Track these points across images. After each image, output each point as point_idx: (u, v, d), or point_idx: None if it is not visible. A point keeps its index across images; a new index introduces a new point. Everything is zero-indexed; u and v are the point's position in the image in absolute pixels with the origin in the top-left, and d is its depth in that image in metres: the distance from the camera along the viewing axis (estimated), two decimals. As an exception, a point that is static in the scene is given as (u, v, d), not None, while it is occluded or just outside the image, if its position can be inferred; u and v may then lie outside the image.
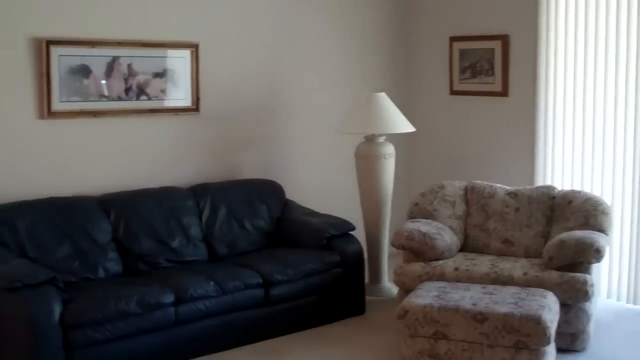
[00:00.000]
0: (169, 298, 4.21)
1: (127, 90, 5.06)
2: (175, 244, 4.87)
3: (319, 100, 6.07)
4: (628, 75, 5.18)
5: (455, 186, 5.28)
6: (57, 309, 3.85)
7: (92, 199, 4.76)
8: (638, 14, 5.09)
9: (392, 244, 4.84)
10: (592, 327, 4.50)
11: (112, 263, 4.64)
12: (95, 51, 4.88)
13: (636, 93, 5.15)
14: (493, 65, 6.01)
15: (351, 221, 5.21)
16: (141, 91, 5.11)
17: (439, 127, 6.47)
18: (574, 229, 4.71)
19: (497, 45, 5.96)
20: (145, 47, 5.10)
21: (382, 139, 5.51)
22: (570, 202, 4.92)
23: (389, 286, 5.56)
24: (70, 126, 4.86)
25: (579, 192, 5.04)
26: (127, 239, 4.74)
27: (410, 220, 5.06)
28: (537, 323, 3.79)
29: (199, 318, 4.36)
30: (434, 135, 6.49)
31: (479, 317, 3.88)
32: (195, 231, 4.99)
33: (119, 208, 4.78)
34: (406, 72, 6.63)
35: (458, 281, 4.52)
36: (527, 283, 4.43)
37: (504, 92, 5.97)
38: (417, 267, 4.71)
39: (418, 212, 5.14)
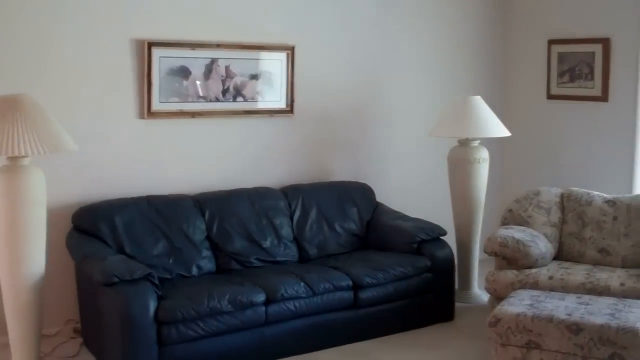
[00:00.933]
0: (260, 297, 4.27)
1: (225, 91, 5.16)
2: (266, 244, 4.94)
3: (413, 102, 6.04)
4: None
5: (551, 193, 5.16)
6: (152, 305, 3.95)
7: (187, 198, 4.88)
8: None
9: (485, 250, 4.78)
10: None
11: (206, 261, 4.73)
12: (194, 53, 5.00)
13: None
14: (593, 70, 5.84)
15: (442, 226, 5.15)
16: (238, 93, 5.21)
17: (535, 132, 6.33)
18: (676, 240, 4.54)
19: (597, 48, 5.80)
20: (243, 49, 5.19)
21: (476, 143, 5.44)
22: (672, 212, 4.75)
23: (479, 293, 5.48)
24: (169, 126, 5.00)
25: (683, 201, 4.86)
26: (220, 237, 4.83)
27: (504, 226, 4.97)
28: (635, 336, 3.66)
29: (289, 318, 4.40)
30: (530, 140, 6.36)
31: (574, 328, 3.78)
32: (286, 232, 5.05)
33: (214, 207, 4.88)
34: (502, 75, 6.52)
35: (552, 290, 4.41)
36: (624, 294, 4.29)
37: (603, 97, 5.80)
38: (510, 274, 4.63)
39: (512, 218, 5.05)
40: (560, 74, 6.09)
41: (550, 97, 6.21)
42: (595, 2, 5.82)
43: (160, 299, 4.03)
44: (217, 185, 5.10)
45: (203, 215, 4.83)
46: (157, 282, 4.08)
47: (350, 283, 4.60)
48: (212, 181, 5.12)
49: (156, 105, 4.91)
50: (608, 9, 5.74)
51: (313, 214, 5.20)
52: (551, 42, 6.15)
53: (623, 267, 4.74)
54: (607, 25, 5.74)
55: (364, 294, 4.66)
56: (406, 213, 5.42)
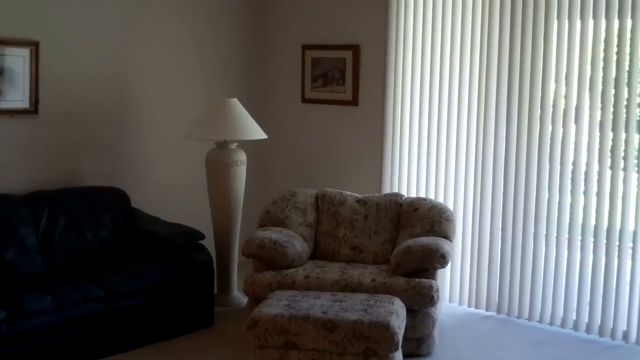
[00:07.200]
0: (1, 314, 3.91)
1: (-42, 90, 4.69)
2: (8, 256, 4.52)
3: (169, 104, 5.88)
4: (471, 86, 5.37)
5: (306, 194, 5.26)
6: None
7: None
8: (482, 28, 5.29)
9: (243, 252, 4.75)
10: (437, 332, 4.59)
11: (-63, 277, 4.26)
12: None
13: (478, 104, 5.34)
14: (344, 75, 6.05)
15: (202, 230, 5.06)
16: (-27, 92, 4.76)
17: (291, 135, 6.44)
18: (420, 236, 4.80)
19: (348, 55, 6.01)
20: (-20, 44, 4.75)
21: (233, 146, 5.41)
22: (416, 209, 5.02)
23: (239, 296, 5.45)
24: None
25: (425, 199, 5.16)
26: (-46, 251, 4.37)
27: (262, 228, 4.98)
28: (385, 329, 3.81)
29: (35, 335, 4.07)
30: (286, 142, 6.46)
31: (329, 325, 3.85)
32: (31, 242, 4.66)
33: (-54, 217, 4.41)
34: (259, 78, 6.56)
35: (309, 289, 4.48)
36: (375, 289, 4.45)
37: (354, 102, 6.02)
38: (268, 276, 4.64)
39: (269, 220, 5.08)
40: (314, 79, 6.25)
41: (304, 100, 6.34)
42: (347, 11, 6.04)
43: None
44: (-49, 193, 4.62)
45: None
46: None
47: (103, 294, 4.36)
48: (-55, 189, 4.63)
49: None
50: (358, 18, 5.97)
51: (61, 222, 4.85)
52: (305, 47, 6.29)
53: (374, 263, 4.93)
54: (357, 33, 5.97)
55: (119, 305, 4.44)
56: (164, 218, 5.25)
